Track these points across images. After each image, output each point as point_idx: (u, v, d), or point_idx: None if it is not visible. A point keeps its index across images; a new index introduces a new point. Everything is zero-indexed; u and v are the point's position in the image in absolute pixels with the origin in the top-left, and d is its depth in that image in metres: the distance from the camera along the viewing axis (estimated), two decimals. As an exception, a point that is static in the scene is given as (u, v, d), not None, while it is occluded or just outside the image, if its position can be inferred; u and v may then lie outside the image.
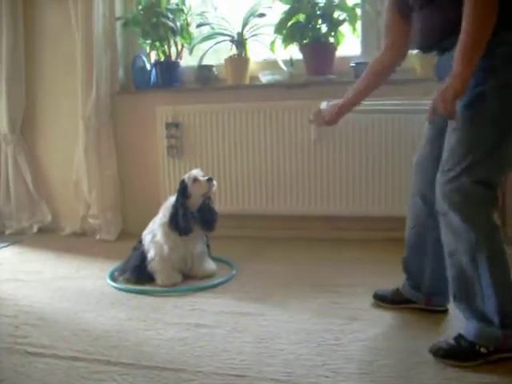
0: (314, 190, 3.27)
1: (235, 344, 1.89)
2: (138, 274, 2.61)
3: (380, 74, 2.09)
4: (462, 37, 1.55)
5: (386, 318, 2.10)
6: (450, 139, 1.73)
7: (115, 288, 2.55)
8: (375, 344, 1.87)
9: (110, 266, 2.83)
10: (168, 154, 3.45)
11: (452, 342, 1.74)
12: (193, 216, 2.59)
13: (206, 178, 2.61)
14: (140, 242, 2.71)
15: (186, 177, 2.63)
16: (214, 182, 2.62)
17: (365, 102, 3.12)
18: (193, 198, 2.60)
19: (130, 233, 3.62)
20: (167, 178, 3.49)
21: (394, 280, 2.50)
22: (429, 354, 1.75)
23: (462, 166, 1.67)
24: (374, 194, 3.20)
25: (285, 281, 2.57)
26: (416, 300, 2.13)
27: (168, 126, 3.42)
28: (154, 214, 3.64)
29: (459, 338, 1.74)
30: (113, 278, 2.67)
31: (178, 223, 2.55)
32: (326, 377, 1.65)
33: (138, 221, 3.65)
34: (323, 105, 3.07)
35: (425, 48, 1.88)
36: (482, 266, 1.67)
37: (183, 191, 2.60)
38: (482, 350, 1.69)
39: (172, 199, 2.67)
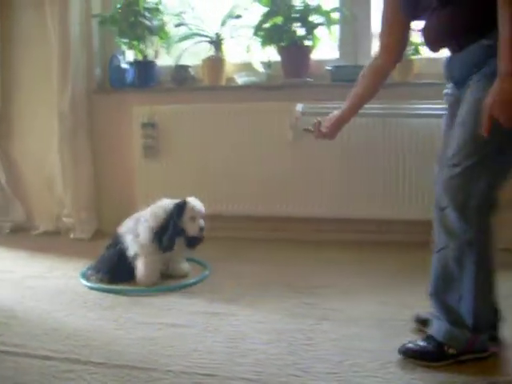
0: (292, 191, 3.28)
1: (206, 344, 1.90)
2: (113, 273, 2.59)
3: (378, 77, 2.04)
4: (504, 30, 1.46)
5: (358, 318, 2.11)
6: (458, 133, 1.67)
7: (88, 287, 2.54)
8: (346, 344, 1.88)
9: (84, 265, 2.80)
10: (144, 155, 3.44)
11: (421, 342, 1.76)
12: (179, 232, 2.57)
13: (201, 225, 2.56)
14: (116, 240, 2.68)
15: (189, 202, 2.59)
16: (203, 234, 2.59)
17: (341, 105, 3.16)
18: (182, 223, 2.57)
19: (105, 232, 3.59)
20: (143, 178, 3.47)
21: (370, 281, 2.54)
22: (398, 354, 1.76)
23: (468, 162, 1.61)
24: (351, 196, 3.21)
25: (260, 281, 2.58)
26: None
27: (144, 126, 3.40)
28: (130, 213, 3.63)
29: (429, 338, 1.75)
30: (86, 277, 2.66)
31: (162, 240, 2.53)
32: (296, 376, 1.66)
33: (113, 220, 3.62)
34: (299, 107, 3.11)
35: (439, 46, 1.83)
36: (468, 268, 1.65)
37: (179, 212, 2.56)
38: (451, 350, 1.70)
39: (163, 204, 2.62)
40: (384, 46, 1.98)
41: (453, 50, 1.77)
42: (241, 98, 3.34)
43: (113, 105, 3.61)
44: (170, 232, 2.52)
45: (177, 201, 2.61)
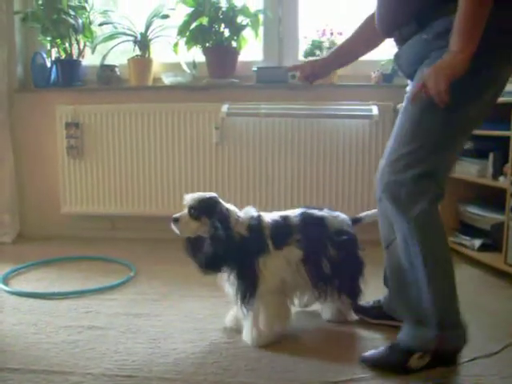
0: (216, 191, 3.27)
1: (127, 345, 1.89)
2: None
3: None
4: (461, 9, 1.43)
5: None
6: (396, 126, 1.67)
7: (7, 292, 2.46)
8: (266, 341, 1.92)
9: (4, 269, 2.73)
10: (68, 155, 3.37)
11: (386, 348, 1.70)
12: None
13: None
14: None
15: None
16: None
17: (266, 106, 3.22)
18: None
19: (28, 235, 3.52)
20: (67, 179, 3.40)
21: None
22: (362, 363, 1.71)
23: (406, 156, 1.59)
24: (273, 195, 3.27)
25: (183, 281, 2.58)
26: (395, 317, 1.92)
27: (68, 125, 3.34)
28: (54, 215, 3.57)
29: (395, 345, 1.68)
30: (4, 281, 2.58)
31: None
32: (215, 374, 1.68)
33: (36, 223, 3.56)
34: (224, 107, 3.14)
35: (385, 33, 1.77)
36: (416, 259, 1.59)
37: None
38: (417, 354, 1.62)
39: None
40: None
41: (397, 42, 1.73)
42: (167, 99, 3.33)
43: (36, 104, 3.52)
44: None
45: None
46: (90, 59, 3.54)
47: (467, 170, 2.90)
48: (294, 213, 1.97)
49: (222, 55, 3.30)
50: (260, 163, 3.25)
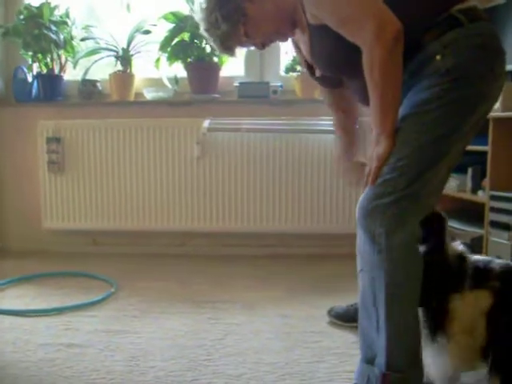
0: (197, 206, 3.31)
1: (106, 363, 1.87)
2: None
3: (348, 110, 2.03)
4: (373, 97, 1.43)
5: (260, 332, 2.16)
6: None
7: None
8: (246, 358, 1.91)
9: (-17, 286, 2.71)
10: (49, 170, 3.35)
11: None
12: None
13: None
14: None
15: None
16: None
17: (247, 121, 3.24)
18: None
19: (8, 250, 3.49)
20: (48, 194, 3.38)
21: (272, 294, 2.59)
22: None
23: (390, 180, 1.43)
24: (255, 211, 3.28)
25: (164, 297, 2.58)
26: None
27: (49, 140, 3.33)
28: (35, 230, 3.53)
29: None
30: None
31: None
32: (194, 392, 1.68)
33: (17, 238, 3.54)
34: (206, 123, 3.15)
35: None
36: (379, 293, 1.43)
37: None
38: None
39: None
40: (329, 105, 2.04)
41: None
42: (148, 114, 3.34)
43: (17, 119, 3.50)
44: None
45: None
46: (71, 74, 3.54)
47: (447, 184, 2.92)
48: (497, 260, 1.66)
49: (203, 71, 3.32)
50: (241, 178, 3.26)
